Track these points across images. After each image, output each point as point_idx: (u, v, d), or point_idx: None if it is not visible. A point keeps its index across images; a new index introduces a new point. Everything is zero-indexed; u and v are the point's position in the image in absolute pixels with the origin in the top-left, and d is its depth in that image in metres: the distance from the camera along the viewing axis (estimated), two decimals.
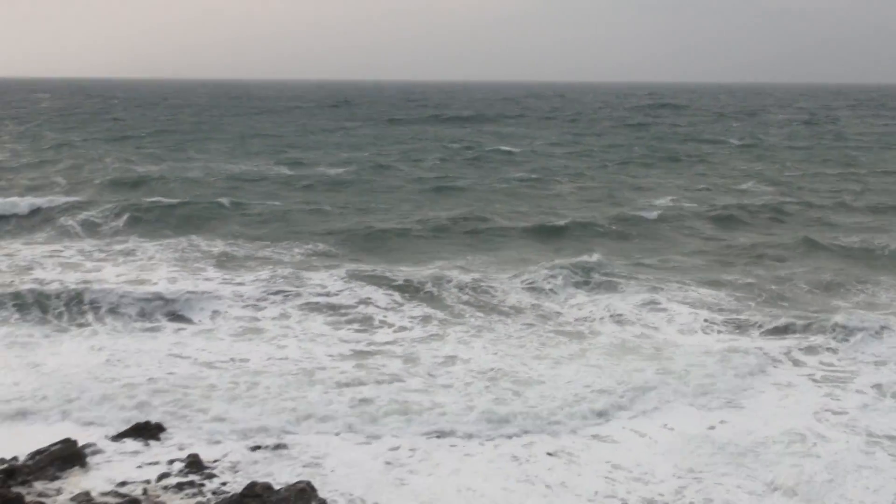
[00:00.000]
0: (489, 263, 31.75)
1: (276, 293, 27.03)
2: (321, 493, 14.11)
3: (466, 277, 28.83)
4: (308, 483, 14.02)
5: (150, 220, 38.55)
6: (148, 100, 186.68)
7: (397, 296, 26.96)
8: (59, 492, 14.79)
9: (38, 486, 14.99)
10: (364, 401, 18.81)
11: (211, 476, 15.43)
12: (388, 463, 16.15)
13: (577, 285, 28.62)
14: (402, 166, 61.88)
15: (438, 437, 17.37)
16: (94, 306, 25.40)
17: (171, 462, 15.96)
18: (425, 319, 25.26)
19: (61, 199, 42.18)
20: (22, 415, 18.07)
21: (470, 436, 17.42)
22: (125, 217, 38.64)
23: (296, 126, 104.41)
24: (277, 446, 16.76)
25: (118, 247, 33.97)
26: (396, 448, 16.79)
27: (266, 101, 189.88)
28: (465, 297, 26.92)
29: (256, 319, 25.17)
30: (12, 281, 27.94)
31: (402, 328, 24.59)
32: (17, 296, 25.74)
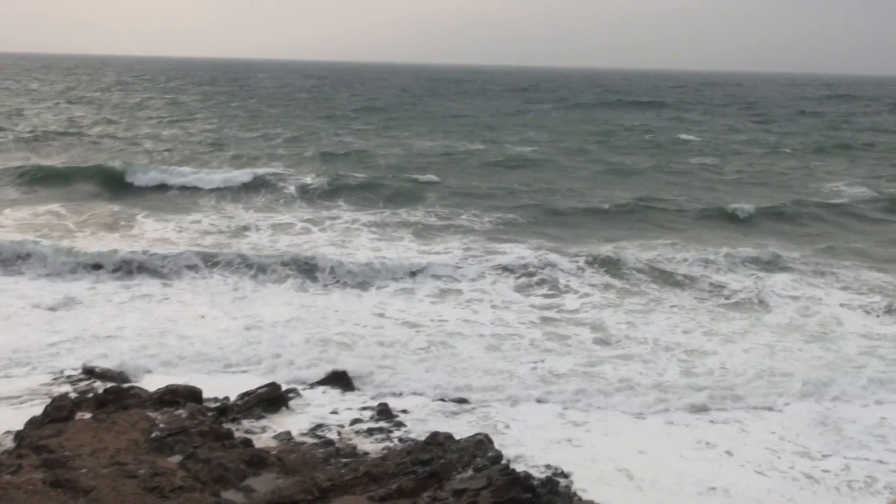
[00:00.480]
0: (665, 242, 30.92)
1: (470, 261, 27.05)
2: (497, 447, 13.91)
3: (644, 254, 28.23)
4: (486, 435, 13.82)
5: (356, 191, 39.06)
6: (356, 81, 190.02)
7: (581, 267, 26.49)
8: (263, 430, 15.12)
9: (246, 423, 15.37)
10: (547, 367, 18.54)
11: (399, 424, 15.49)
12: (563, 425, 15.85)
13: (748, 265, 27.59)
14: (585, 147, 61.03)
15: (615, 404, 16.91)
16: (304, 266, 25.95)
17: (363, 409, 16.10)
18: (606, 288, 24.96)
19: (278, 170, 43.32)
20: (235, 361, 18.61)
21: (646, 403, 16.92)
22: (333, 187, 39.32)
23: (488, 108, 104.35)
24: (461, 401, 16.69)
25: (325, 213, 34.73)
26: (572, 411, 16.50)
27: (460, 84, 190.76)
28: (642, 273, 26.25)
29: (455, 280, 25.32)
30: (230, 242, 28.90)
31: (586, 294, 24.34)
32: (238, 255, 26.55)
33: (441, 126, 74.36)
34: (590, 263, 26.72)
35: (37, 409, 15.26)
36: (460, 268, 26.06)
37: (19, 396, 16.55)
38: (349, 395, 16.83)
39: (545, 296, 24.17)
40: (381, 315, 22.13)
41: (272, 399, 15.97)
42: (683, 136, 71.22)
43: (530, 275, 25.72)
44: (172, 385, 15.85)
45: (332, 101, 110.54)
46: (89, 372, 17.52)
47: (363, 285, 24.86)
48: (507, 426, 15.57)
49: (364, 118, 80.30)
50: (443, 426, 15.07)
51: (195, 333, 19.96)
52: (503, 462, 13.05)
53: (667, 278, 25.86)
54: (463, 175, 45.49)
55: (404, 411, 16.10)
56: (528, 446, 14.71)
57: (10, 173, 40.58)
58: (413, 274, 25.66)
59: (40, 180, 39.49)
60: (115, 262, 25.18)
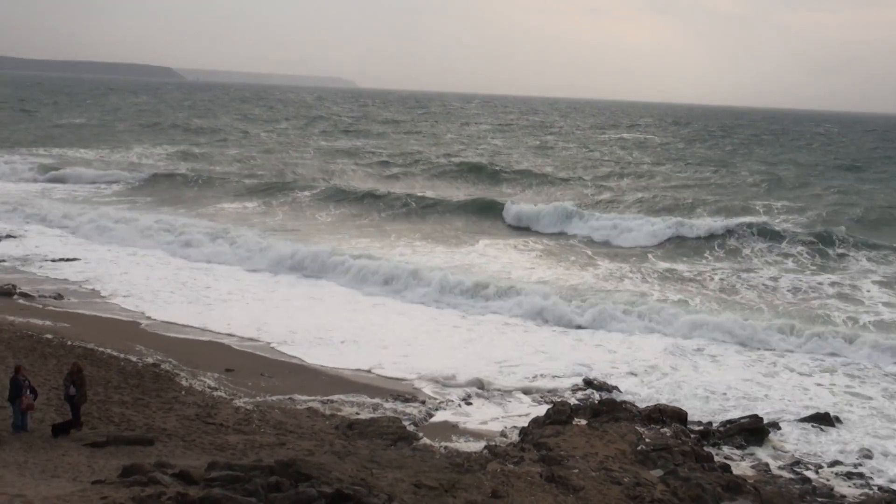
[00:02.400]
0: None
1: None
2: None
3: None
4: None
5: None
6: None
7: None
8: (742, 458, 15.34)
9: (725, 449, 15.67)
10: None
11: (880, 472, 14.86)
12: None
13: None
14: None
15: None
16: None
17: (843, 452, 15.63)
18: None
19: (765, 218, 40.99)
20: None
21: None
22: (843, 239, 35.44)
23: None
24: None
25: (833, 263, 32.80)
26: None
27: None
28: None
29: None
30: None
31: None
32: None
33: None
34: None
35: (540, 410, 16.85)
36: None
37: (529, 396, 18.39)
38: (828, 436, 16.41)
39: None
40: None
41: (753, 430, 16.09)
42: None
43: None
44: (661, 404, 16.61)
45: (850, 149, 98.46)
46: (588, 383, 18.97)
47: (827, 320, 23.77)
48: None
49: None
50: None
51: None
52: None
53: None
54: None
55: (888, 458, 15.37)
56: None
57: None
58: None
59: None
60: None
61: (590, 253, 34.84)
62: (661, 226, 37.63)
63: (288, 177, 52.35)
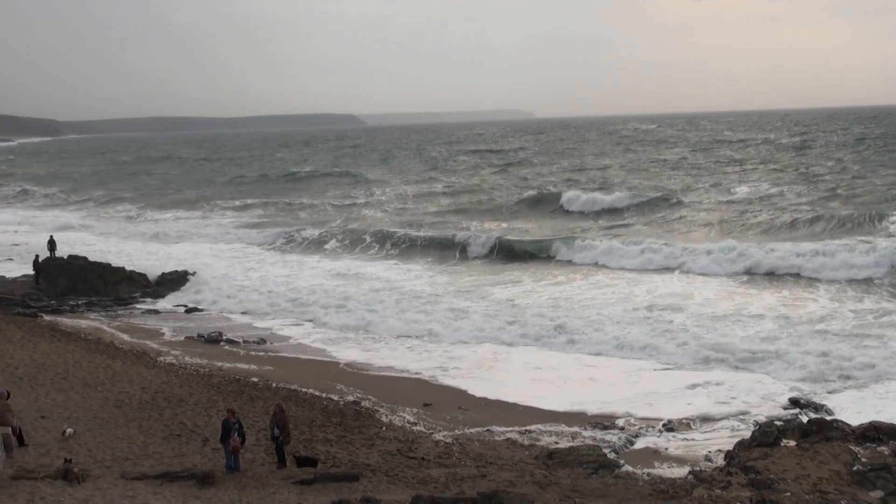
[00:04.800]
0: None
1: None
2: None
3: None
4: None
5: None
6: None
7: None
8: None
9: None
10: None
11: None
12: None
13: None
14: None
15: None
16: None
17: None
18: None
19: None
20: None
21: None
22: None
23: None
24: None
25: None
26: None
27: None
28: None
29: None
30: None
31: None
32: None
33: None
34: None
35: (744, 432, 16.37)
36: None
37: (728, 418, 17.89)
38: None
39: None
40: None
41: None
42: None
43: None
44: (876, 422, 15.78)
45: None
46: (794, 402, 18.30)
47: None
48: None
49: None
50: None
51: None
52: None
53: None
54: None
55: None
56: None
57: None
58: None
59: None
60: None
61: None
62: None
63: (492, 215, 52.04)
